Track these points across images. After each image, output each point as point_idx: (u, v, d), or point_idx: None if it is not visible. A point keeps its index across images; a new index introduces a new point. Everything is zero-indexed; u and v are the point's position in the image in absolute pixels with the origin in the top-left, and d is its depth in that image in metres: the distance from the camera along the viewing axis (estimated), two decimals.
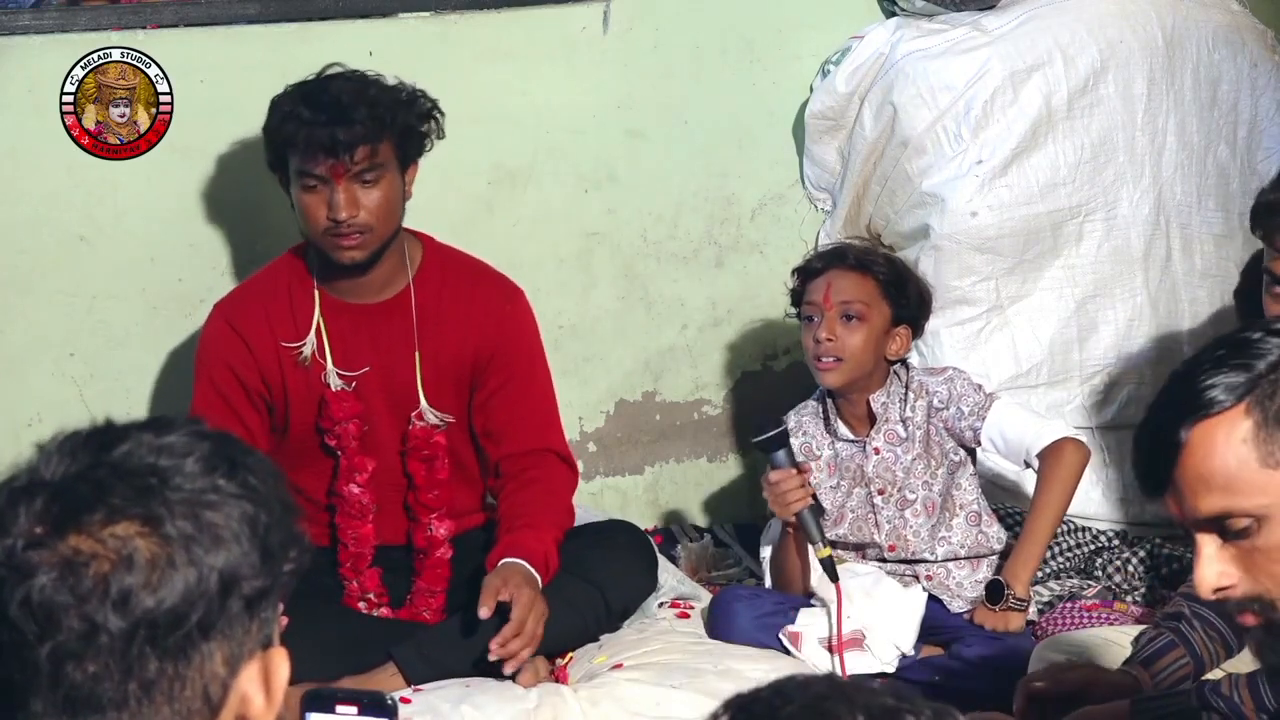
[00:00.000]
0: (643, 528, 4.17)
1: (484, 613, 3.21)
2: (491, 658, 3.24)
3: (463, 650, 3.35)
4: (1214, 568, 1.89)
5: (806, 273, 3.67)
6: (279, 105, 3.43)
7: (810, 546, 3.46)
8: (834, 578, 3.43)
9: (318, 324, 3.50)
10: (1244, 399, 1.84)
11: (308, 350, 3.48)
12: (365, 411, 3.50)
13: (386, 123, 3.39)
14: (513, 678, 3.31)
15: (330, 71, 3.47)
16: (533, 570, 3.31)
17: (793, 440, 3.55)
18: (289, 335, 3.50)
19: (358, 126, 3.35)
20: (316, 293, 3.51)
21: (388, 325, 3.51)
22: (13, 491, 1.33)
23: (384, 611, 3.54)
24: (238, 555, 1.33)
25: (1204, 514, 1.88)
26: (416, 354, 3.50)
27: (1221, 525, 1.88)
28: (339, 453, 3.51)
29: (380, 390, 3.51)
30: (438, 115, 3.51)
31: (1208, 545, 1.90)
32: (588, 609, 3.46)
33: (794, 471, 3.45)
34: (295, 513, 1.39)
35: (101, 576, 1.29)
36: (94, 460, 1.34)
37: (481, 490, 3.64)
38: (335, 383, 3.49)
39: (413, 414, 3.51)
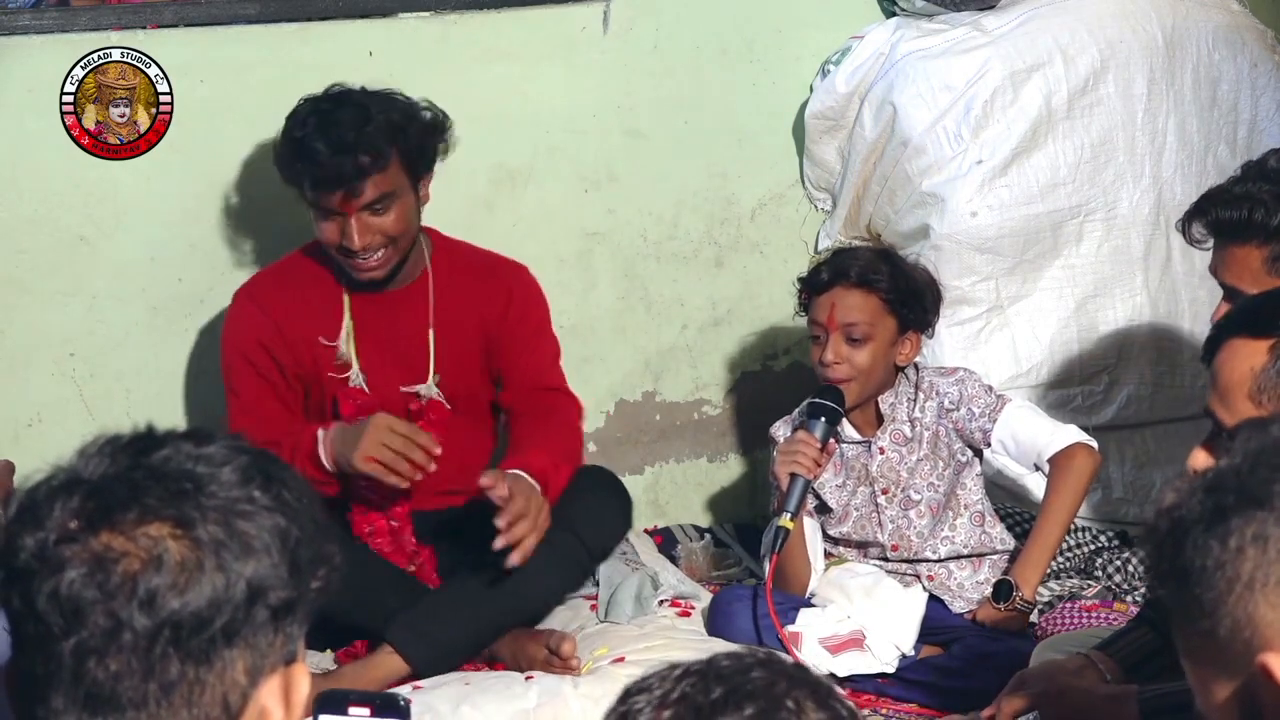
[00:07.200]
0: (642, 528, 4.18)
1: (485, 481, 3.27)
2: (497, 545, 3.27)
3: (460, 622, 3.38)
4: (1201, 457, 2.39)
5: (811, 285, 3.63)
6: (288, 134, 3.48)
7: (783, 513, 3.45)
8: (775, 550, 3.44)
9: (348, 329, 3.59)
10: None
11: (346, 348, 3.57)
12: (378, 406, 3.53)
13: (392, 147, 3.44)
14: (520, 670, 3.34)
15: (335, 91, 3.51)
16: (532, 480, 3.36)
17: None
18: (316, 323, 3.58)
19: (363, 159, 3.40)
20: (346, 297, 3.59)
21: (407, 309, 3.60)
22: (51, 488, 1.34)
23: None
24: (267, 566, 1.34)
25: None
26: (430, 331, 3.59)
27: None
28: None
29: (396, 372, 3.58)
30: (446, 127, 3.57)
31: (1201, 450, 2.42)
32: (567, 552, 3.49)
33: (819, 444, 3.46)
34: (327, 533, 1.40)
35: (130, 575, 1.30)
36: (132, 463, 1.35)
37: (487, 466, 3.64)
38: (356, 380, 3.57)
39: (419, 386, 3.60)
